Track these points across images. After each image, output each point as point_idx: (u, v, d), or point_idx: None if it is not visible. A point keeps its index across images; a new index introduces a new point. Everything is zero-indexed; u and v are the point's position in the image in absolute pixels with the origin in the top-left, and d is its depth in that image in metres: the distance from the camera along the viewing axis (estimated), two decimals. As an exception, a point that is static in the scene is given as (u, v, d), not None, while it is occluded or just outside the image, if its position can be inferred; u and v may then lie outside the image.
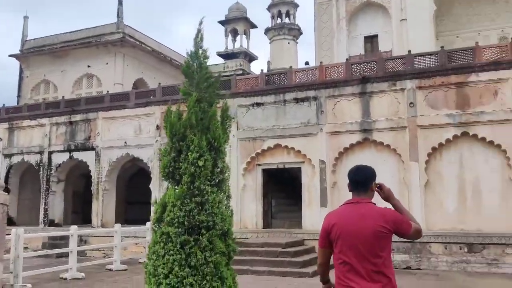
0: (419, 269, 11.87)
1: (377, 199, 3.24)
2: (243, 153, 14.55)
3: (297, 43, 34.37)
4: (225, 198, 4.70)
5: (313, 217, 13.40)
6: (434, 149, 12.48)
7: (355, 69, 13.61)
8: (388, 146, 12.95)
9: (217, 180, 4.58)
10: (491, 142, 11.95)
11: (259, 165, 14.54)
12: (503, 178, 11.90)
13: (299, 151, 13.86)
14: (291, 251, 11.69)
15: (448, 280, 10.31)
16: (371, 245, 2.94)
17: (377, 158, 13.10)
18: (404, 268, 11.93)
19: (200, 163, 4.41)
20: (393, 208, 3.18)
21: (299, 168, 14.09)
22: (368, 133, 13.17)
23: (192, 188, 4.42)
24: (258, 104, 14.55)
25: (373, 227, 2.96)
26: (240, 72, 27.55)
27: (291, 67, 14.87)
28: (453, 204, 12.21)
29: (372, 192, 3.20)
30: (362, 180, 3.19)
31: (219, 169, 4.61)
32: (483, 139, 12.02)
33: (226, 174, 4.75)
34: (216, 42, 57.83)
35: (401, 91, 12.94)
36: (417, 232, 3.11)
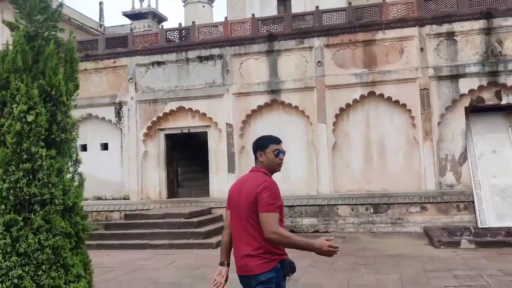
0: (326, 232, 11.66)
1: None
2: (143, 117, 13.33)
3: (212, 6, 32.80)
4: (69, 164, 3.68)
5: (221, 184, 12.66)
6: (341, 110, 12.14)
7: (262, 26, 12.78)
8: (296, 107, 12.41)
9: (57, 141, 3.52)
10: (396, 102, 11.81)
11: (162, 130, 13.43)
12: (407, 137, 11.88)
13: (204, 114, 12.93)
14: (195, 221, 10.89)
15: (354, 242, 10.12)
16: (247, 210, 2.95)
17: (286, 120, 12.59)
18: (313, 232, 11.67)
19: (30, 118, 3.32)
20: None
21: (205, 133, 13.19)
22: (276, 94, 12.53)
23: (19, 151, 3.33)
24: (158, 63, 13.30)
25: (247, 193, 2.97)
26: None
27: (193, 22, 13.68)
28: (359, 165, 12.04)
29: (260, 161, 3.12)
30: (253, 149, 3.21)
31: (59, 127, 3.55)
32: (389, 98, 11.85)
33: (74, 133, 3.71)
34: (123, 1, 54.07)
35: (309, 49, 12.36)
36: (268, 229, 2.81)
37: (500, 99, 11.36)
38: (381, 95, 11.90)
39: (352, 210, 11.80)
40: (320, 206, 11.84)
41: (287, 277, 2.96)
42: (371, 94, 11.99)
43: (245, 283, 2.97)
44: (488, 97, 11.42)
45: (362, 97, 12.02)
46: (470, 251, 8.43)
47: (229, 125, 12.65)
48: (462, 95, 11.47)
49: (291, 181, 12.23)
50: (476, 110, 11.80)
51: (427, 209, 11.40)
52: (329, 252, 2.79)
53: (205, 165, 13.30)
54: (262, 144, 3.15)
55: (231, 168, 12.55)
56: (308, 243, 2.81)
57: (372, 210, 11.69)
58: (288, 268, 2.93)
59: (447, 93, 11.55)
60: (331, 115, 12.12)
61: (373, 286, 6.24)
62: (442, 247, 8.90)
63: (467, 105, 11.56)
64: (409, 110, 11.71)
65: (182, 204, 12.73)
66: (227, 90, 12.74)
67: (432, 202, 11.38)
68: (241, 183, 3.11)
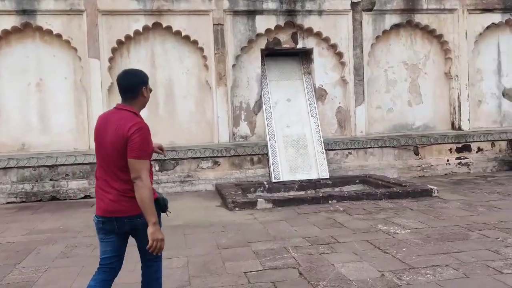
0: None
1: None
2: None
3: None
4: None
5: None
6: (120, 43, 9.66)
7: None
8: (59, 36, 9.40)
9: None
10: (187, 37, 9.89)
11: None
12: (199, 81, 10.16)
13: None
14: None
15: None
16: (114, 153, 2.74)
17: (45, 53, 9.54)
18: (82, 198, 9.22)
19: None
20: None
21: None
22: (30, 16, 9.23)
23: None
24: None
25: (115, 136, 2.73)
26: None
27: None
28: (143, 113, 9.73)
29: (143, 97, 2.93)
30: (129, 84, 2.88)
31: None
32: (178, 33, 9.84)
33: None
34: None
35: (77, -42, 9.35)
36: (137, 173, 2.67)
37: (296, 43, 10.44)
38: (169, 28, 9.80)
39: (134, 168, 9.64)
40: (92, 165, 9.32)
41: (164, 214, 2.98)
42: (157, 25, 9.78)
43: (111, 225, 2.78)
44: (285, 39, 10.38)
45: (146, 28, 9.73)
46: (267, 212, 7.22)
47: (-45, 55, 8.90)
48: (258, 35, 10.18)
49: (55, 133, 9.54)
50: (272, 54, 10.72)
51: (219, 164, 10.02)
52: (155, 244, 2.65)
53: None
54: (146, 79, 2.97)
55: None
56: (154, 215, 2.68)
57: (157, 168, 9.76)
58: (164, 205, 2.92)
59: (243, 31, 10.10)
60: (106, 49, 9.52)
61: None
62: (237, 209, 7.53)
63: (263, 47, 10.35)
64: (201, 49, 9.94)
65: None
66: (-49, 3, 8.88)
67: (225, 156, 10.03)
68: (105, 123, 2.81)
